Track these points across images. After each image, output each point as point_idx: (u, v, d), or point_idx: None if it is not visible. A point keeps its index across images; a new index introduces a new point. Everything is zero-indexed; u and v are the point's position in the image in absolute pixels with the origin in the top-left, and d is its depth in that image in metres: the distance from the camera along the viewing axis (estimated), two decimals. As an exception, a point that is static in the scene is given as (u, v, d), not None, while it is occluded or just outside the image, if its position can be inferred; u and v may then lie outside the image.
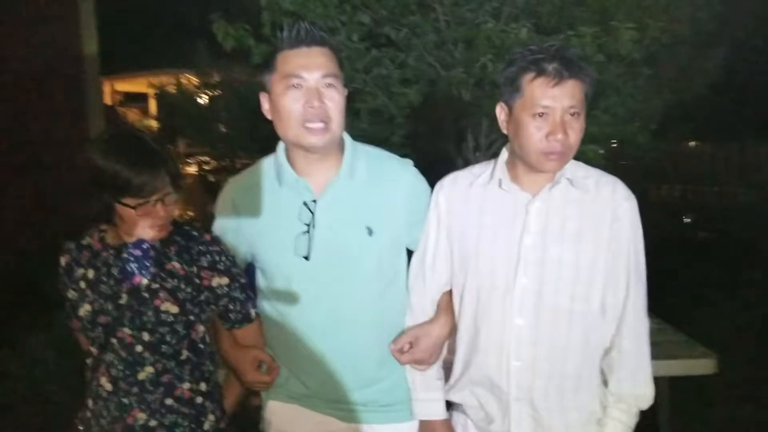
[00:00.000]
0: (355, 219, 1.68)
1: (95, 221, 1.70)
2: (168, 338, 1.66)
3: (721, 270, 5.18)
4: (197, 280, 1.69)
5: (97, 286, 1.67)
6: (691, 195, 11.94)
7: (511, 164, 1.64)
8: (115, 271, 1.67)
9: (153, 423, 1.67)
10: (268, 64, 1.66)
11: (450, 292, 1.76)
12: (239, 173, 1.82)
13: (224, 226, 1.77)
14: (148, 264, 1.67)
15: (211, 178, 11.19)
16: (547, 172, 1.58)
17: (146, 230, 1.64)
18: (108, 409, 1.68)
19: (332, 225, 1.66)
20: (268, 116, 1.69)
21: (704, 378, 2.48)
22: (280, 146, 1.73)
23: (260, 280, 1.78)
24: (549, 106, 1.50)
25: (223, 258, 1.72)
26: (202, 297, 1.71)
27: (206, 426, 1.74)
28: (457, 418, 1.75)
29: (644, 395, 1.61)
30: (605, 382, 1.64)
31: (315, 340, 1.69)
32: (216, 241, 1.73)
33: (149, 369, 1.66)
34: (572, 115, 1.51)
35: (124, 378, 1.66)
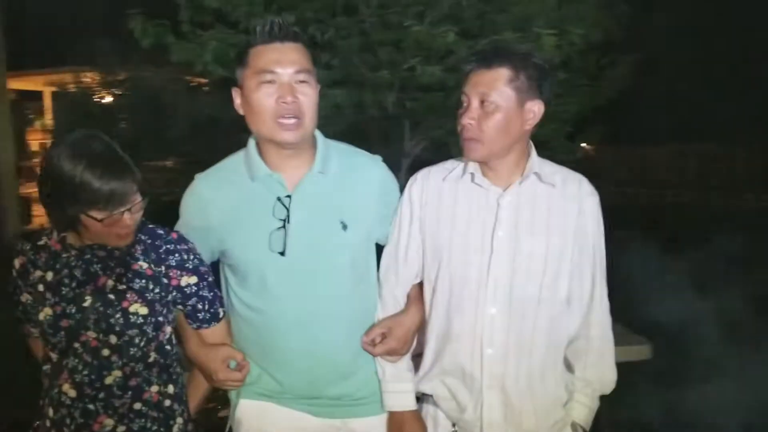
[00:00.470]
0: (329, 214, 1.69)
1: (58, 232, 1.61)
2: (137, 341, 1.60)
3: (645, 263, 5.54)
4: (165, 280, 1.65)
5: (57, 288, 1.59)
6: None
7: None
8: (77, 273, 1.60)
9: (121, 429, 1.61)
10: (240, 58, 1.65)
11: (420, 284, 1.80)
12: (206, 169, 1.77)
13: (191, 224, 1.73)
14: (113, 264, 1.61)
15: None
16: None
17: (112, 239, 1.57)
18: (72, 417, 1.60)
19: (307, 220, 1.66)
20: (240, 111, 1.67)
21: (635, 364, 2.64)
22: (251, 142, 1.72)
23: (230, 278, 1.75)
24: None
25: (191, 256, 1.68)
26: (170, 297, 1.67)
27: (174, 429, 1.69)
28: (427, 409, 1.79)
29: (609, 380, 1.72)
30: (568, 368, 1.73)
31: (289, 335, 1.68)
32: (182, 239, 1.68)
33: (117, 373, 1.60)
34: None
35: (90, 383, 1.59)
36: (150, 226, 1.68)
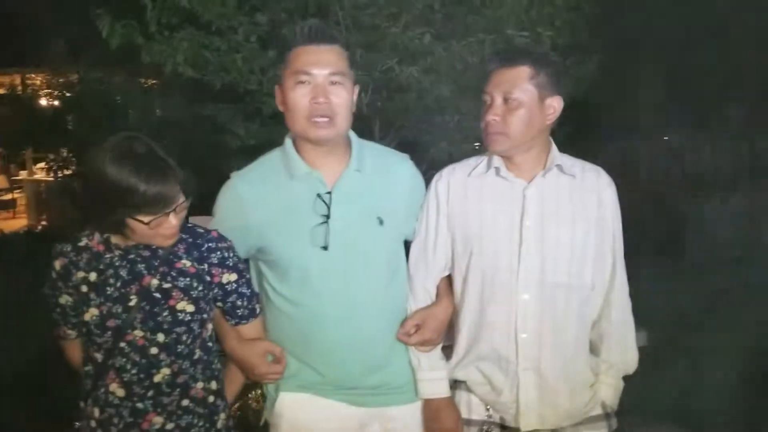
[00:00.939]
0: (367, 210, 1.75)
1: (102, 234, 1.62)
2: (184, 338, 1.63)
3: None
4: (207, 278, 1.67)
5: (102, 289, 1.60)
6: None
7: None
8: (123, 273, 1.61)
9: (170, 426, 1.63)
10: (282, 58, 1.70)
11: (448, 278, 1.87)
12: (241, 169, 1.81)
13: (228, 222, 1.75)
14: (157, 263, 1.62)
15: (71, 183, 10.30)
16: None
17: (158, 239, 1.59)
18: (120, 416, 1.61)
19: (346, 216, 1.72)
20: (281, 108, 1.73)
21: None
22: (287, 141, 1.76)
23: (267, 274, 1.78)
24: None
25: (231, 254, 1.71)
26: (212, 294, 1.69)
27: (219, 425, 1.72)
28: (460, 395, 1.86)
29: (632, 360, 1.84)
30: (592, 351, 1.84)
31: (331, 328, 1.73)
32: (222, 237, 1.71)
33: (165, 371, 1.62)
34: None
35: (139, 382, 1.61)
36: (191, 225, 1.70)
